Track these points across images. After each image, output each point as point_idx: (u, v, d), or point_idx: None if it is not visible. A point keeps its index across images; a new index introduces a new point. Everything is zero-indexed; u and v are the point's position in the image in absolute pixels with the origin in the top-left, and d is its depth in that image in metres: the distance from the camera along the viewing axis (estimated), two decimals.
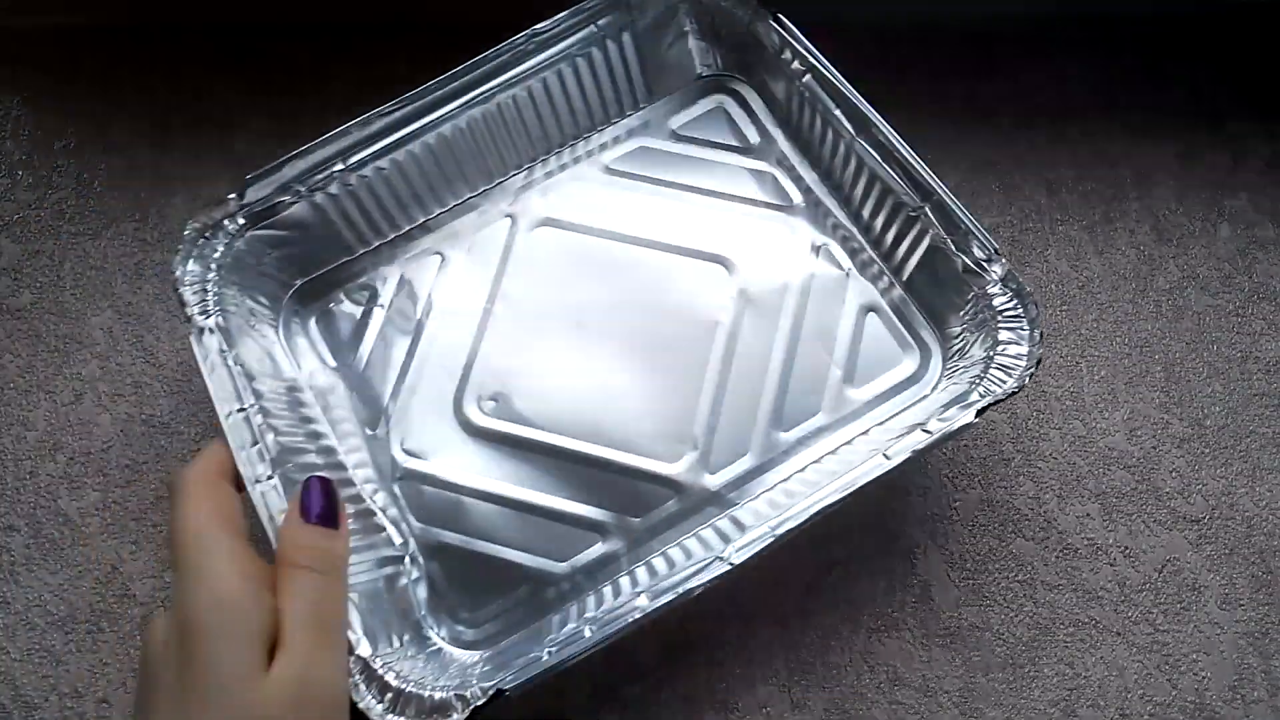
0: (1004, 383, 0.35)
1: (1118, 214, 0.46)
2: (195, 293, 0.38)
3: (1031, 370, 0.35)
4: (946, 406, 0.36)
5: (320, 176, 0.41)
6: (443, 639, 0.37)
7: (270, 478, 0.34)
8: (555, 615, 0.37)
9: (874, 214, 0.41)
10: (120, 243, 0.48)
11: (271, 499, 0.34)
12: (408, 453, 0.40)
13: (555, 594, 0.38)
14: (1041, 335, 0.36)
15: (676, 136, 0.45)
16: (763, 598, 0.39)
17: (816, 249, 0.42)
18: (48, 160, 0.50)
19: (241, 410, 0.36)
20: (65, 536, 0.42)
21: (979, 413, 0.34)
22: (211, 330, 0.37)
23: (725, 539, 0.36)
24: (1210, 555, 0.40)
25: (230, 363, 0.37)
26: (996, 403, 0.35)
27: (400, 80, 0.48)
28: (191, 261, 0.39)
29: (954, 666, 0.38)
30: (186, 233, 0.39)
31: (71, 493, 0.42)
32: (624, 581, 0.37)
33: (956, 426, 0.34)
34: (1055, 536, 0.40)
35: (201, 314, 0.38)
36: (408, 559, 0.38)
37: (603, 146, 0.45)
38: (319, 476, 0.32)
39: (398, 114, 0.41)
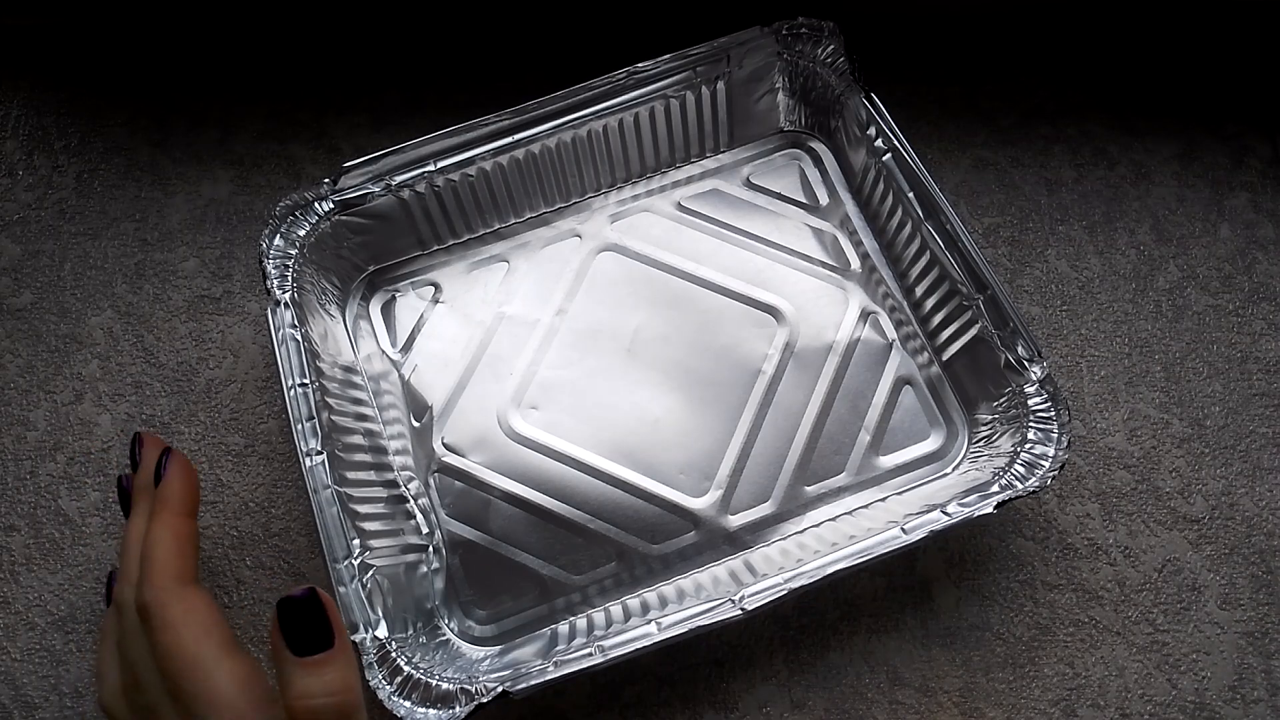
0: (1026, 480, 0.36)
1: (1118, 214, 0.46)
2: (277, 267, 0.40)
3: (1054, 473, 0.36)
4: (966, 492, 0.37)
5: (412, 174, 0.42)
6: (452, 631, 0.38)
7: (320, 453, 0.36)
8: (564, 626, 0.38)
9: (927, 294, 0.42)
10: (120, 243, 0.48)
11: (319, 473, 0.36)
12: (447, 447, 0.42)
13: (565, 604, 0.39)
14: (1069, 442, 0.36)
15: (749, 184, 0.46)
16: None
17: (865, 316, 0.43)
18: (48, 160, 0.50)
19: (304, 385, 0.37)
20: (65, 536, 0.42)
21: (998, 505, 0.35)
22: (287, 305, 0.39)
23: (736, 580, 0.37)
24: (1210, 555, 0.40)
25: (299, 339, 0.38)
26: (1016, 499, 0.35)
27: (397, 84, 0.48)
28: (278, 237, 0.41)
29: (954, 666, 0.38)
30: (277, 209, 0.41)
31: (71, 492, 0.42)
32: (634, 604, 0.38)
33: (975, 515, 0.35)
34: (1055, 536, 0.40)
35: (280, 289, 0.40)
36: (431, 549, 0.39)
37: (677, 184, 0.47)
38: (292, 596, 0.29)
39: (494, 126, 0.43)
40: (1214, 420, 0.42)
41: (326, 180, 0.42)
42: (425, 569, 0.38)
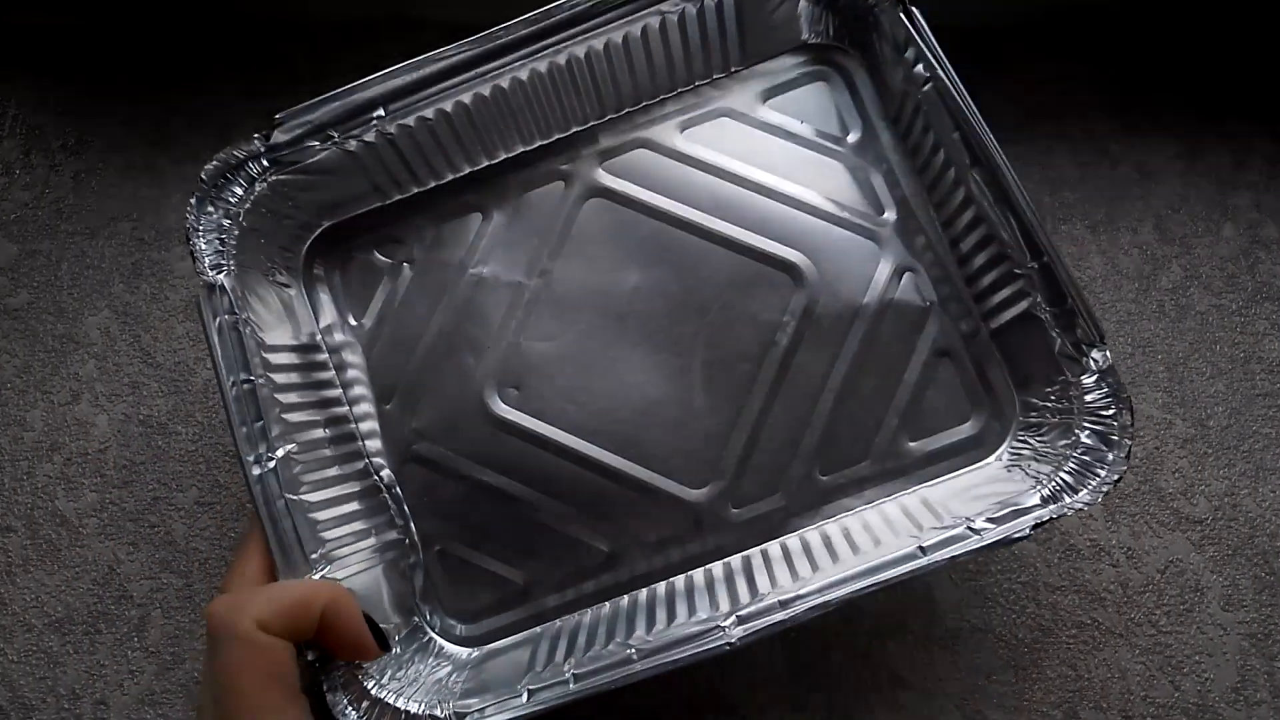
0: (1074, 492, 0.31)
1: (1120, 213, 0.46)
2: (209, 242, 0.35)
3: (1107, 489, 0.31)
4: (1002, 504, 0.32)
5: (356, 122, 0.37)
6: (434, 630, 0.36)
7: (270, 459, 0.33)
8: (548, 627, 0.36)
9: (975, 251, 0.36)
10: (118, 242, 0.47)
11: (270, 482, 0.32)
12: (418, 433, 0.38)
13: (552, 603, 0.36)
14: (1130, 452, 0.31)
15: (766, 114, 0.39)
16: None
17: (899, 272, 0.37)
18: (45, 159, 0.50)
19: (248, 382, 0.33)
20: (62, 537, 0.41)
21: (1034, 526, 0.30)
22: (222, 289, 0.34)
23: (731, 586, 0.34)
24: (1213, 556, 0.40)
25: (240, 326, 0.34)
26: (1059, 518, 0.31)
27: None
28: (209, 207, 0.35)
29: (956, 668, 0.38)
30: (204, 173, 0.35)
31: (68, 493, 0.42)
32: (624, 604, 0.35)
33: (1006, 537, 0.30)
34: (1057, 537, 0.40)
35: (214, 267, 0.35)
36: (407, 543, 0.37)
37: (680, 113, 0.39)
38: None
39: (454, 59, 0.36)
40: (1217, 421, 0.42)
41: (257, 135, 0.36)
42: (403, 564, 0.36)
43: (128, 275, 0.47)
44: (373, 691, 0.31)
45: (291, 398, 0.35)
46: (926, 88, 0.35)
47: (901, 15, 0.35)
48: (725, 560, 0.36)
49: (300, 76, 0.50)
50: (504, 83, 0.37)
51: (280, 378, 0.35)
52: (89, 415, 0.44)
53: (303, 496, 0.33)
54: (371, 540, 0.36)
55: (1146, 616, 0.39)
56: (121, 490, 0.42)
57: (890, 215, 0.38)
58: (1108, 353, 0.32)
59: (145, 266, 0.47)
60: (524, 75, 0.37)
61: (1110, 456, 0.31)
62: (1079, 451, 0.32)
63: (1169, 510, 0.40)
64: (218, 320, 0.34)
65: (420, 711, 0.31)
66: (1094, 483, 0.31)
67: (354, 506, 0.36)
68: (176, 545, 0.41)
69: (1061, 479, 0.32)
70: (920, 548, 0.31)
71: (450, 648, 0.36)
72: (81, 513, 0.42)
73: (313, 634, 0.30)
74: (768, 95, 0.40)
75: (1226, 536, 0.40)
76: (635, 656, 0.31)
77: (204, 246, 0.35)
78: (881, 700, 0.38)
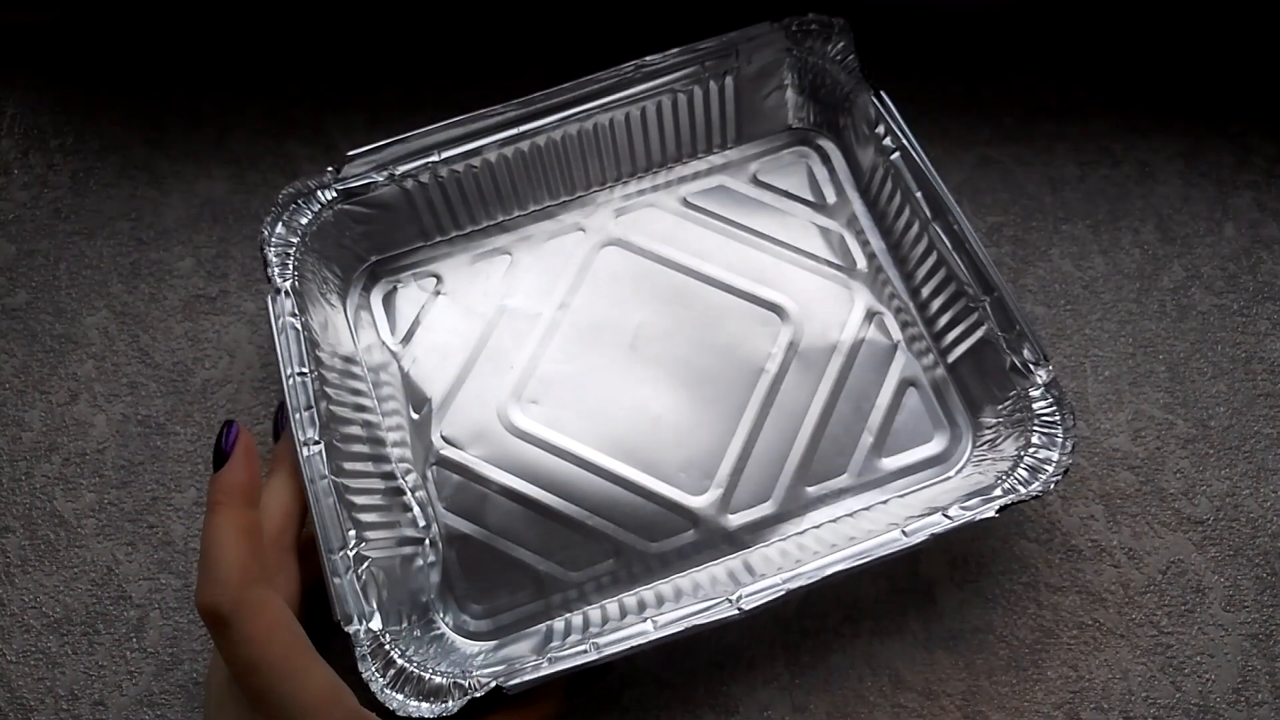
0: (1029, 484, 0.36)
1: (1122, 212, 0.46)
2: (278, 255, 0.40)
3: (1058, 478, 0.35)
4: (968, 495, 0.36)
5: (415, 164, 0.42)
6: (447, 625, 0.38)
7: (317, 443, 0.36)
8: (559, 622, 0.37)
9: (933, 295, 0.42)
10: (116, 242, 0.47)
11: (315, 463, 0.35)
12: (446, 440, 0.41)
13: (562, 601, 0.38)
14: (1074, 447, 0.36)
15: (756, 182, 0.46)
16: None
17: (870, 316, 0.43)
18: (43, 159, 0.50)
19: (303, 374, 0.37)
20: (61, 538, 0.41)
21: (1000, 509, 0.35)
22: (287, 293, 0.39)
23: (735, 580, 0.37)
24: (1215, 557, 0.39)
25: (299, 326, 0.38)
26: (1019, 503, 0.35)
27: (395, 81, 0.48)
28: (280, 225, 0.41)
29: (956, 669, 0.38)
30: (280, 197, 0.41)
31: (67, 494, 0.42)
32: (630, 602, 0.37)
33: (977, 518, 0.35)
34: (1059, 538, 0.40)
35: (281, 276, 0.39)
36: (427, 542, 0.39)
37: (683, 179, 0.46)
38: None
39: (500, 118, 0.42)
40: (1219, 421, 0.42)
41: (330, 169, 0.42)
42: (421, 562, 0.38)
43: (126, 275, 0.46)
44: (399, 662, 0.33)
45: (334, 395, 0.39)
46: (894, 156, 0.42)
47: (873, 98, 0.42)
48: (724, 560, 0.39)
49: (297, 77, 0.50)
50: (541, 141, 0.43)
51: (328, 377, 0.39)
52: (87, 415, 0.44)
53: (342, 480, 0.36)
54: (394, 532, 0.38)
55: (1148, 617, 0.39)
56: (120, 491, 0.42)
57: (861, 267, 0.44)
58: (1050, 368, 0.37)
59: (144, 266, 0.47)
60: (557, 136, 0.43)
61: (1056, 455, 0.36)
62: (1031, 452, 0.37)
63: (1170, 511, 0.40)
64: (281, 320, 0.38)
65: (445, 683, 0.33)
66: (1044, 476, 0.36)
67: (379, 500, 0.38)
68: (175, 546, 0.41)
69: (1019, 475, 0.37)
70: (902, 531, 0.35)
71: (462, 642, 0.37)
72: (80, 513, 0.42)
73: (257, 485, 0.33)
74: (758, 167, 0.47)
75: (1228, 537, 0.40)
76: (652, 628, 0.34)
77: (274, 258, 0.40)
78: (882, 700, 0.37)
